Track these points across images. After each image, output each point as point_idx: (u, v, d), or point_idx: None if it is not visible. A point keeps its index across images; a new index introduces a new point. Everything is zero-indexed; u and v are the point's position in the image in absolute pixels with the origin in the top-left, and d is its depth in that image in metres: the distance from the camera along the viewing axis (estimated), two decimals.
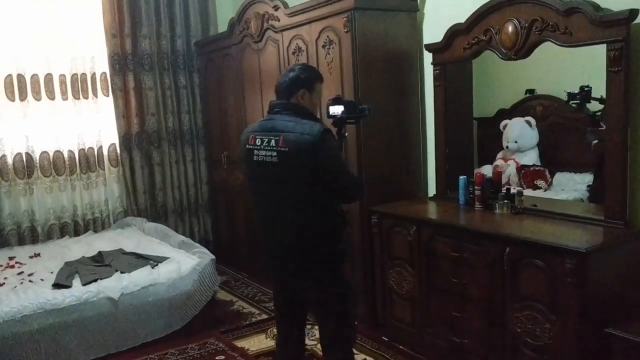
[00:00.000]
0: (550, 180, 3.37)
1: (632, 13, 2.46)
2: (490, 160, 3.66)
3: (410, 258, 3.26)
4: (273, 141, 2.33)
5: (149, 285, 3.60)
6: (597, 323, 2.39)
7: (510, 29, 2.95)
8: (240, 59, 4.59)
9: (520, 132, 3.48)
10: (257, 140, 2.39)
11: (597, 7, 2.59)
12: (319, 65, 3.67)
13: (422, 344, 3.26)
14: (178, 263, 3.81)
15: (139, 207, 5.25)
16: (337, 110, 2.61)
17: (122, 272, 3.67)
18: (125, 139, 5.15)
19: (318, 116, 2.50)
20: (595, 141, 2.97)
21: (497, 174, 3.26)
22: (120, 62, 5.06)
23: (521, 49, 2.93)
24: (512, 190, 3.16)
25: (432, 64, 3.49)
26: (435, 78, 3.49)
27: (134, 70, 5.14)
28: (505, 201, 3.07)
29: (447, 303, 3.04)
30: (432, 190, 3.70)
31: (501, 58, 3.07)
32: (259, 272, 4.70)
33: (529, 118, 3.43)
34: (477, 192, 3.21)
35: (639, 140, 2.59)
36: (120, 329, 3.46)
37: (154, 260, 3.90)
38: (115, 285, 3.51)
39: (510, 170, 3.52)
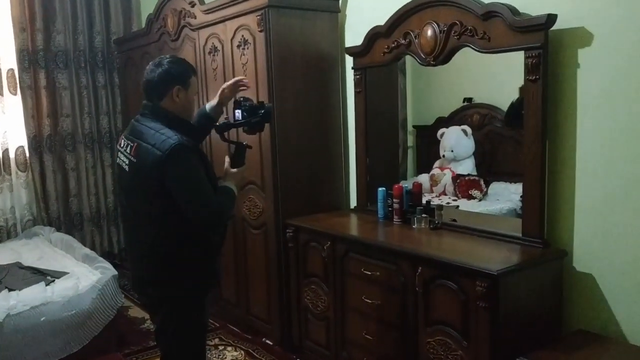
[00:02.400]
0: (485, 190, 3.25)
1: (550, 18, 2.31)
2: (429, 169, 3.56)
3: (325, 275, 3.03)
4: (129, 147, 2.16)
5: (41, 305, 3.25)
6: (510, 350, 2.21)
7: (429, 33, 2.77)
8: None
9: (456, 141, 3.36)
10: (122, 142, 2.22)
11: (515, 12, 2.43)
12: (233, 66, 3.42)
13: None
14: (77, 279, 3.48)
15: (50, 215, 4.86)
16: (238, 115, 2.38)
17: (10, 290, 3.32)
18: (35, 141, 4.77)
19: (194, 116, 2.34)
20: None
21: (417, 186, 3.07)
22: (30, 59, 4.68)
23: (440, 55, 2.76)
24: (445, 202, 2.98)
25: (352, 68, 3.28)
26: (356, 84, 3.28)
27: (47, 67, 4.77)
28: (424, 215, 2.89)
29: (361, 325, 2.83)
30: (355, 202, 3.50)
31: (420, 64, 2.89)
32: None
33: (465, 127, 3.31)
34: (396, 206, 3.02)
35: (558, 153, 2.44)
36: (4, 355, 3.10)
37: (52, 276, 3.56)
38: (0, 304, 3.15)
39: (446, 180, 3.43)
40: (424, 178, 3.57)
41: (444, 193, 3.44)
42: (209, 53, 3.64)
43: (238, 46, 3.36)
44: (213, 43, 3.59)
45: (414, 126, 3.63)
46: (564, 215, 2.45)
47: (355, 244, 2.84)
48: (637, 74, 2.18)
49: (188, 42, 3.87)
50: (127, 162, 2.16)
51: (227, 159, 2.37)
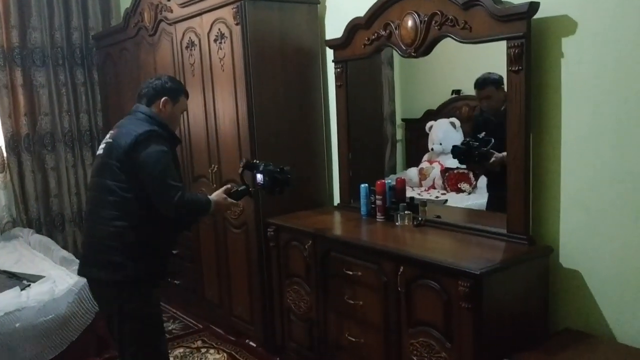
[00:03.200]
0: (474, 183, 3.19)
1: (532, 6, 2.22)
2: (418, 163, 3.50)
3: (307, 276, 2.95)
4: (109, 134, 2.38)
5: (15, 310, 3.15)
6: (495, 351, 2.13)
7: (410, 23, 2.68)
8: (137, 54, 4.18)
9: (444, 134, 3.29)
10: (106, 136, 2.42)
11: (496, 0, 2.34)
12: (211, 61, 3.32)
13: None
14: (53, 283, 3.38)
15: (30, 216, 4.75)
16: (259, 178, 2.60)
17: None
18: (13, 141, 4.64)
19: (176, 132, 2.54)
20: None
21: (400, 182, 2.98)
22: (5, 56, 4.55)
23: (421, 46, 2.67)
24: (434, 196, 2.90)
25: (333, 61, 3.19)
26: (337, 77, 3.19)
27: (23, 65, 4.64)
28: (407, 212, 2.81)
29: (344, 326, 2.75)
30: (338, 199, 3.41)
31: (401, 55, 2.80)
32: (167, 289, 4.28)
33: (454, 119, 3.24)
34: (379, 202, 2.93)
35: (542, 146, 2.36)
36: None
37: (28, 280, 3.46)
38: None
39: (435, 173, 3.37)
40: (412, 172, 3.52)
41: (433, 187, 3.37)
42: (186, 48, 3.54)
43: (215, 40, 3.26)
44: (190, 37, 3.48)
45: (402, 119, 3.57)
46: (550, 210, 2.37)
47: (336, 243, 2.75)
48: (623, 63, 2.10)
49: (165, 36, 3.76)
50: (103, 146, 2.35)
51: (228, 186, 2.60)
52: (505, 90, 2.39)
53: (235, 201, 2.55)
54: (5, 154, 4.63)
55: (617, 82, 2.12)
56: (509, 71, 2.33)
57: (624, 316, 2.20)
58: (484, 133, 2.72)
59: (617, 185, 2.16)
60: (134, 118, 2.39)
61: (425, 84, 3.49)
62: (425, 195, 3.37)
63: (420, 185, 3.51)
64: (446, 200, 3.20)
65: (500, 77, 2.54)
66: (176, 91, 2.44)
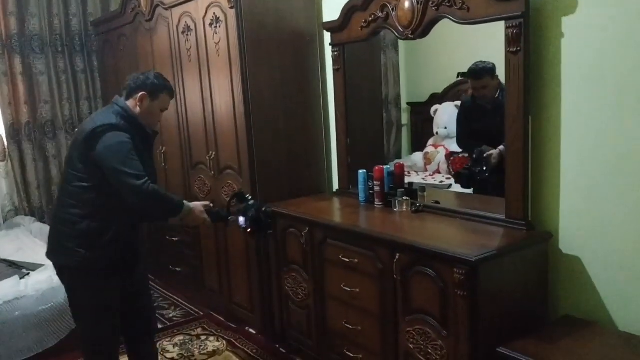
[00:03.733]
0: None
1: None
2: (423, 147, 3.44)
3: (304, 263, 2.91)
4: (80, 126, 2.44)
5: (14, 299, 3.16)
6: (492, 339, 2.09)
7: (406, 4, 2.61)
8: (135, 40, 4.13)
9: (449, 118, 3.22)
10: None
11: None
12: (207, 46, 3.27)
13: (320, 357, 2.93)
14: (52, 271, 3.34)
15: (32, 204, 4.75)
16: (242, 221, 2.59)
17: None
18: (13, 129, 4.63)
19: (157, 129, 2.59)
20: None
21: (399, 167, 2.93)
22: (4, 44, 4.52)
23: (418, 27, 2.60)
24: (439, 180, 2.87)
25: (330, 44, 3.12)
26: (334, 61, 3.12)
27: (22, 52, 4.61)
28: (405, 198, 2.76)
29: (342, 314, 2.71)
30: (337, 185, 3.36)
31: (398, 38, 2.74)
32: (168, 276, 4.29)
33: (459, 103, 3.15)
34: (377, 189, 2.88)
35: (542, 129, 2.29)
36: None
37: (27, 269, 3.46)
38: None
39: (439, 158, 3.30)
40: (418, 156, 3.47)
41: (437, 171, 3.31)
42: (183, 33, 3.48)
43: (210, 24, 3.20)
44: (186, 22, 3.43)
45: (408, 103, 3.51)
46: (550, 195, 2.31)
47: (333, 230, 2.70)
48: (624, 43, 2.02)
49: (162, 22, 3.71)
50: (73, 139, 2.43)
51: (209, 203, 2.56)
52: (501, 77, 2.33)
53: (209, 219, 2.50)
54: (6, 143, 4.62)
55: (619, 63, 2.04)
56: (507, 52, 2.25)
57: (626, 303, 2.15)
58: (483, 147, 2.69)
59: (619, 169, 2.09)
60: (107, 109, 2.40)
61: (431, 67, 3.43)
62: (430, 180, 3.32)
63: (426, 170, 3.45)
64: (450, 185, 3.14)
65: (494, 66, 2.50)
66: (157, 87, 2.42)
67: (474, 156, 2.71)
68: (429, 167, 3.44)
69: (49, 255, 2.46)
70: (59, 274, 2.47)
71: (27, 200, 4.71)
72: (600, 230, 2.18)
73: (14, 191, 4.69)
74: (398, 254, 2.31)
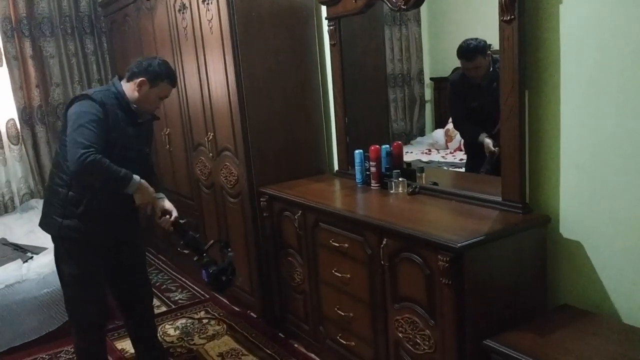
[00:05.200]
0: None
1: None
2: (445, 124, 3.33)
3: (298, 247, 2.82)
4: None
5: (16, 283, 3.18)
6: (481, 331, 1.96)
7: None
8: (138, 21, 4.06)
9: None
10: None
11: None
12: (201, 24, 3.17)
13: (317, 343, 2.86)
14: None
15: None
16: (203, 274, 2.65)
17: None
18: (26, 113, 4.66)
19: (157, 114, 2.68)
20: None
21: (397, 146, 2.78)
22: (13, 27, 4.52)
23: None
24: (459, 158, 2.81)
25: (325, 18, 2.98)
26: (330, 35, 2.98)
27: (32, 36, 4.61)
28: (401, 179, 2.62)
29: (334, 299, 2.62)
30: (337, 166, 3.24)
31: (392, 9, 2.58)
32: (177, 257, 4.27)
33: None
34: (373, 169, 2.75)
35: (539, 105, 2.12)
36: None
37: (32, 252, 3.48)
38: None
39: None
40: (439, 134, 3.38)
41: (459, 148, 3.18)
42: (179, 11, 3.39)
43: (203, 1, 3.09)
44: (182, 0, 3.33)
45: (431, 78, 3.41)
46: (548, 175, 2.14)
47: (323, 213, 2.59)
48: (628, 9, 1.82)
49: (160, 1, 3.62)
50: None
51: (177, 216, 2.60)
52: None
53: (167, 208, 2.56)
54: (19, 126, 4.65)
55: (622, 31, 1.84)
56: (500, 21, 2.08)
57: (631, 293, 1.97)
58: (480, 136, 2.56)
59: (622, 147, 1.91)
60: (103, 87, 2.50)
61: (454, 40, 3.24)
62: (450, 158, 3.21)
63: (447, 148, 3.32)
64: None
65: (485, 43, 2.39)
66: (158, 75, 2.44)
67: (473, 149, 2.54)
68: (450, 145, 3.31)
69: (40, 224, 2.54)
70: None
71: (41, 184, 4.75)
72: (605, 214, 2.00)
73: (29, 174, 4.73)
74: (385, 239, 2.20)
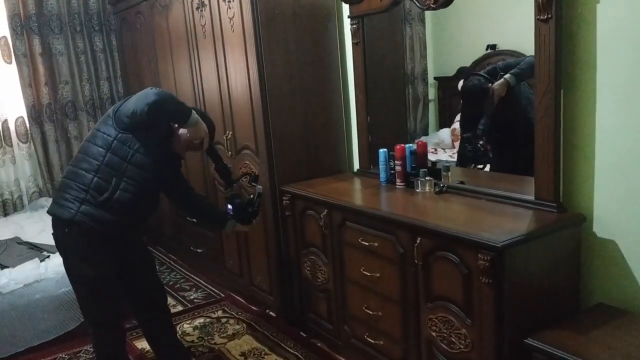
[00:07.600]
0: None
1: None
2: (450, 123, 3.32)
3: (323, 246, 2.82)
4: None
5: (35, 282, 3.15)
6: (518, 330, 1.97)
7: None
8: (151, 18, 4.03)
9: None
10: None
11: None
12: (221, 21, 3.16)
13: (341, 342, 2.85)
14: None
15: (56, 186, 4.74)
16: (230, 208, 2.81)
17: (3, 267, 3.22)
18: (35, 110, 4.62)
19: (182, 157, 2.66)
20: None
21: (422, 145, 2.78)
22: (22, 25, 4.48)
23: None
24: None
25: (348, 17, 2.97)
26: (353, 34, 2.97)
27: (41, 33, 4.57)
28: (427, 178, 2.62)
29: (362, 298, 2.62)
30: (358, 165, 3.23)
31: (420, 8, 2.57)
32: (190, 258, 4.26)
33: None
34: (398, 168, 2.75)
35: (575, 104, 2.12)
36: None
37: (48, 251, 3.44)
38: None
39: None
40: (445, 133, 3.34)
41: None
42: (197, 9, 3.37)
43: None
44: None
45: (435, 78, 3.39)
46: (583, 175, 2.14)
47: (351, 212, 2.59)
48: None
49: None
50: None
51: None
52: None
53: (212, 148, 2.66)
54: (27, 124, 4.61)
55: None
56: (537, 20, 2.08)
57: None
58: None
59: None
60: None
61: (459, 40, 3.28)
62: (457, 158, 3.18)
63: (453, 147, 3.31)
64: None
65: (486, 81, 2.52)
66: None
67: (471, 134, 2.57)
68: (457, 144, 3.29)
69: (50, 210, 2.45)
70: (54, 234, 2.49)
71: (50, 182, 4.72)
72: (639, 213, 2.01)
73: (38, 173, 4.69)
74: (419, 238, 2.19)
